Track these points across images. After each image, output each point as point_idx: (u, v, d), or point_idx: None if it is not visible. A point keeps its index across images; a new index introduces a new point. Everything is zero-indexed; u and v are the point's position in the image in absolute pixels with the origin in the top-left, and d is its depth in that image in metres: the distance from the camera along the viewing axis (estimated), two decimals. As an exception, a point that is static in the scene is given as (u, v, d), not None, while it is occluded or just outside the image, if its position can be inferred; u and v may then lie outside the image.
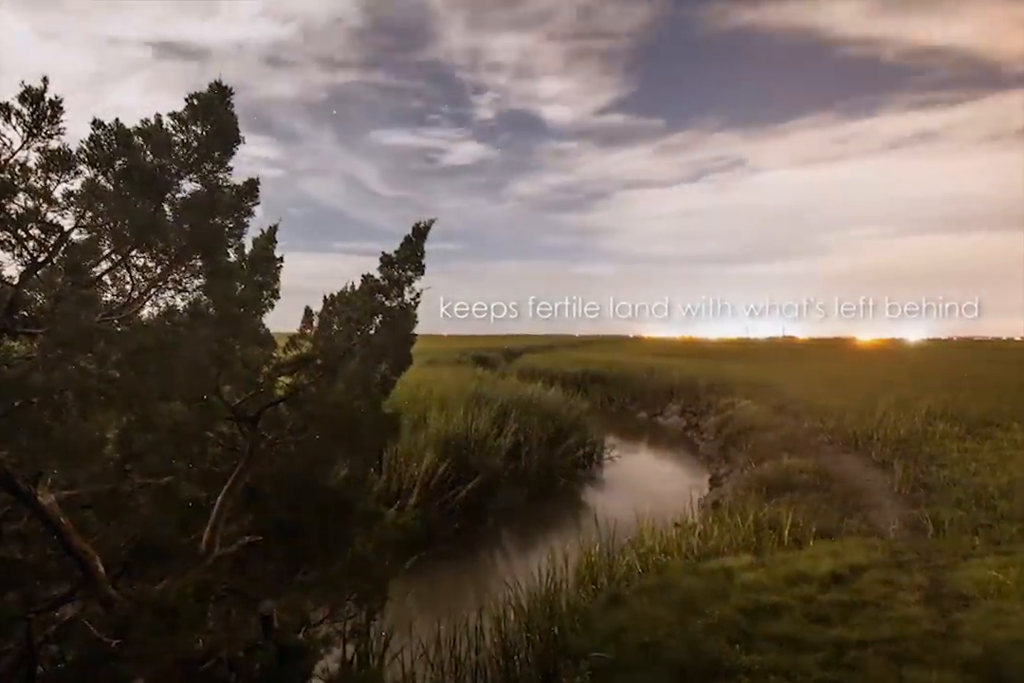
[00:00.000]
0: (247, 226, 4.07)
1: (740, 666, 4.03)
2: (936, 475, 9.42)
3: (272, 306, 5.35)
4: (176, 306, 2.86)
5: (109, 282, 3.55)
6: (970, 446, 10.89)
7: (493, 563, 8.79)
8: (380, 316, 5.07)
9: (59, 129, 2.25)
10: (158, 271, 2.84)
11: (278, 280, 5.41)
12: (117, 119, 2.09)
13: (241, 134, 2.58)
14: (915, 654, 4.19)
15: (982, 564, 5.87)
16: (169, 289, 3.00)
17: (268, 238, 5.36)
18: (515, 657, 4.68)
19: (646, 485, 13.15)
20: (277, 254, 5.56)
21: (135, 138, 2.23)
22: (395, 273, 4.94)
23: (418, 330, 5.20)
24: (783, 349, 47.01)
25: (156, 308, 3.41)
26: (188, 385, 3.06)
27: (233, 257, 4.90)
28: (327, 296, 5.39)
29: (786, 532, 7.15)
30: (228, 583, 4.00)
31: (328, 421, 4.44)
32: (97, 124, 2.02)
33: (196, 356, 2.94)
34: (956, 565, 5.99)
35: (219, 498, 4.21)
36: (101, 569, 2.62)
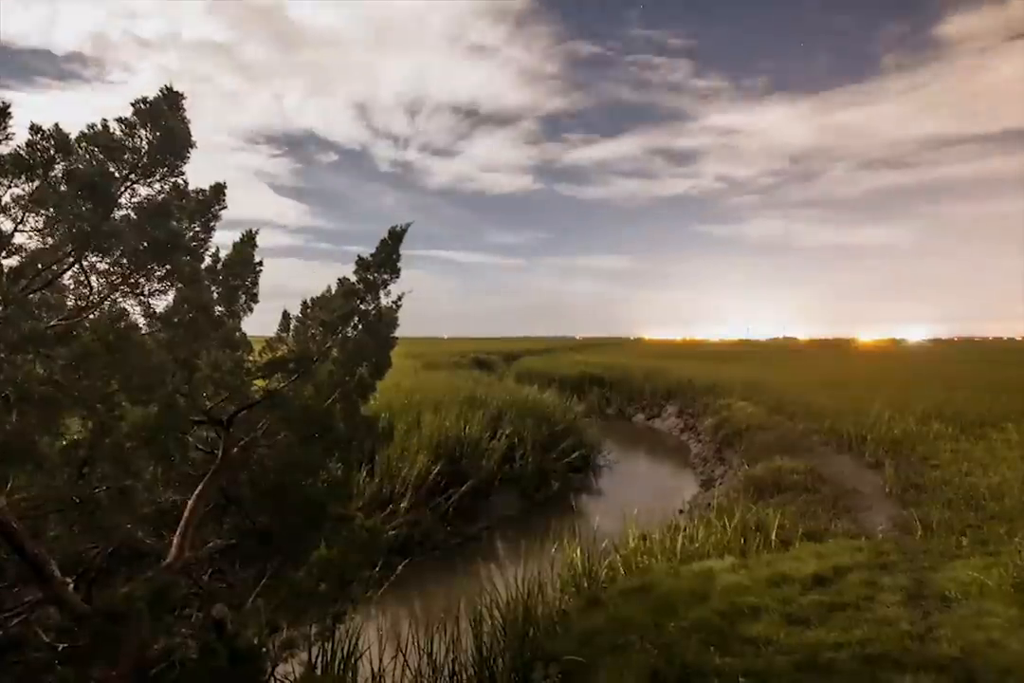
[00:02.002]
0: (214, 230, 4.10)
1: (712, 669, 4.01)
2: (928, 476, 9.37)
3: (250, 310, 5.36)
4: (127, 310, 2.86)
5: (72, 286, 3.59)
6: (963, 446, 10.83)
7: (482, 567, 8.76)
8: (357, 319, 5.08)
9: (7, 135, 2.27)
10: (114, 277, 2.85)
11: (256, 284, 5.42)
12: (57, 124, 2.11)
13: (193, 139, 2.59)
14: (891, 656, 4.16)
15: (967, 565, 5.84)
16: (129, 294, 3.02)
17: (246, 242, 5.37)
18: (492, 660, 4.66)
19: (639, 487, 13.11)
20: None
21: (79, 143, 2.24)
22: (370, 276, 4.96)
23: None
24: (783, 351, 46.88)
25: (121, 313, 3.44)
26: (147, 388, 3.07)
27: (208, 261, 4.94)
28: (305, 300, 5.40)
29: (773, 534, 7.11)
30: (197, 587, 4.00)
31: (300, 424, 4.45)
32: (35, 129, 2.04)
33: (154, 359, 2.95)
34: (941, 566, 5.95)
35: (190, 502, 4.22)
36: (57, 573, 2.62)
